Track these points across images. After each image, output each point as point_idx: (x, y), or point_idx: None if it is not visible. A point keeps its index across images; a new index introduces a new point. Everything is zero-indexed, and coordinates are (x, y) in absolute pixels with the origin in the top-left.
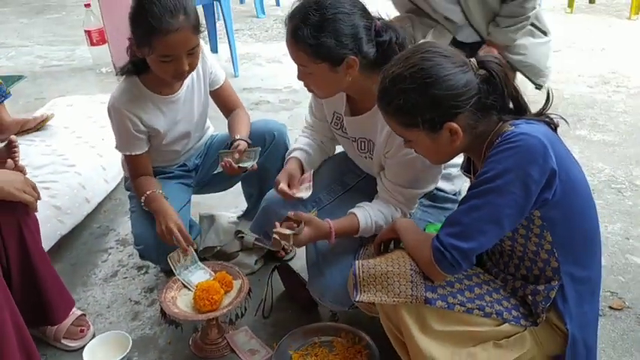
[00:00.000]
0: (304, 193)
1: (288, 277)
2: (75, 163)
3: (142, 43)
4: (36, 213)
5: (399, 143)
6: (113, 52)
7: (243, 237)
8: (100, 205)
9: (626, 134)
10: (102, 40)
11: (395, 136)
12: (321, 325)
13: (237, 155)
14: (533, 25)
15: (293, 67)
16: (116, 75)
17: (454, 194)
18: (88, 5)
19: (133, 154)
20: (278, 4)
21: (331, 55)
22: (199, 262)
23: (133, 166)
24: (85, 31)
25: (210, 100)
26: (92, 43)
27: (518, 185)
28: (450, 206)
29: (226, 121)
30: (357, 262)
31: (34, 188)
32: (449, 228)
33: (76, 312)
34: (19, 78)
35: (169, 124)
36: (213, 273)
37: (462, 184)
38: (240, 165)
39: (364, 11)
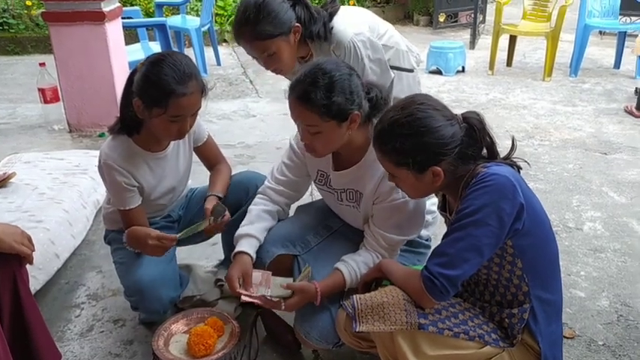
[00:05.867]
0: (264, 291)
1: (271, 321)
2: (42, 219)
3: (155, 104)
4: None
5: (388, 190)
6: (68, 110)
7: (222, 285)
8: (66, 260)
9: (554, 182)
10: (55, 98)
11: (383, 183)
12: None
13: (211, 220)
14: (398, 68)
15: (244, 124)
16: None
17: (427, 240)
18: (42, 64)
19: (127, 208)
20: (219, 63)
21: (341, 112)
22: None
23: (129, 220)
24: (39, 89)
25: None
26: (46, 101)
27: (493, 218)
28: (423, 251)
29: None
30: (354, 296)
31: (30, 241)
32: (436, 259)
33: None
34: None
35: (157, 180)
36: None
37: (434, 231)
38: (216, 222)
39: (356, 73)
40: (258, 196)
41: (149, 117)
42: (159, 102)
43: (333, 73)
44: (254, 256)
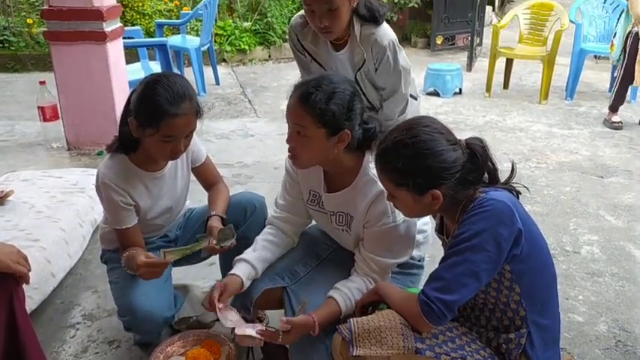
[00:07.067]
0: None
1: (267, 344)
2: (39, 238)
3: (148, 124)
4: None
5: (378, 214)
6: (67, 128)
7: None
8: (62, 280)
9: (551, 205)
10: (55, 117)
11: (374, 207)
12: None
13: (213, 241)
14: None
15: (242, 144)
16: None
17: (419, 260)
18: (43, 82)
19: (124, 227)
20: (218, 82)
21: (334, 123)
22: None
23: (125, 239)
24: (39, 107)
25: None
26: (45, 119)
27: (491, 243)
28: (415, 271)
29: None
30: (351, 319)
31: (26, 260)
32: (433, 283)
33: None
34: None
35: (154, 200)
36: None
37: (426, 251)
38: (222, 245)
39: (360, 98)
40: (267, 226)
41: (143, 136)
42: (151, 122)
43: (338, 85)
44: (245, 279)
